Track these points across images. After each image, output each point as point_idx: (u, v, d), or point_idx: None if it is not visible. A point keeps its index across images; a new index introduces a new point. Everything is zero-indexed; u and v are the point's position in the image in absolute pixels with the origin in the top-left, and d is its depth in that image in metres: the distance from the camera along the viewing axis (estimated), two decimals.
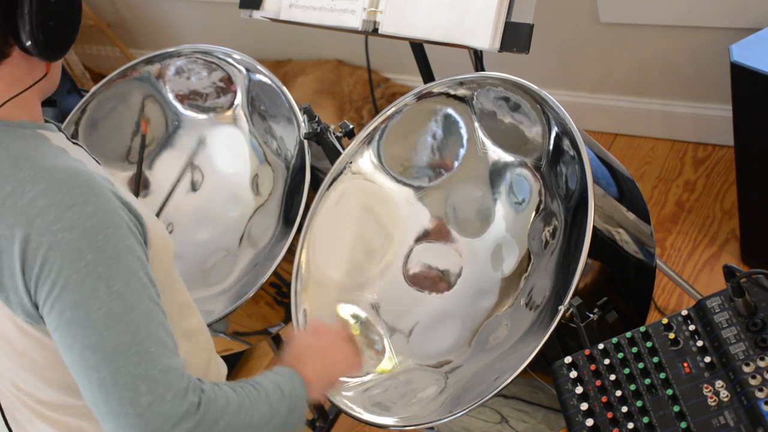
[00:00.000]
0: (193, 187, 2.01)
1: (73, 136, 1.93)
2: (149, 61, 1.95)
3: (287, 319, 1.74)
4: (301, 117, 1.75)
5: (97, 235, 1.03)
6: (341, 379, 1.41)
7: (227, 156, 1.99)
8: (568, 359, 1.25)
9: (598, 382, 1.21)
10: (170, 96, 1.99)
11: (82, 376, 1.03)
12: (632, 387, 1.19)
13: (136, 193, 1.91)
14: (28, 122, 1.14)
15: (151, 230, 1.13)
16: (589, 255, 1.31)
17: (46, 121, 1.19)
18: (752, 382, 1.11)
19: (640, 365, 1.20)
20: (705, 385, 1.14)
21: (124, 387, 1.01)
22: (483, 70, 1.82)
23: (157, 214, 1.98)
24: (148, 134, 1.98)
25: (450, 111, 1.71)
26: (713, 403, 1.12)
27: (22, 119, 1.13)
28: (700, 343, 1.18)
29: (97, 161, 1.24)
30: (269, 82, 1.85)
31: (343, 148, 1.74)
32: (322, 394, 1.33)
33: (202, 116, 2.00)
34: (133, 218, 1.09)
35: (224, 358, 1.68)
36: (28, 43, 1.06)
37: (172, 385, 1.03)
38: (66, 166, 1.07)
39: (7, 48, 1.08)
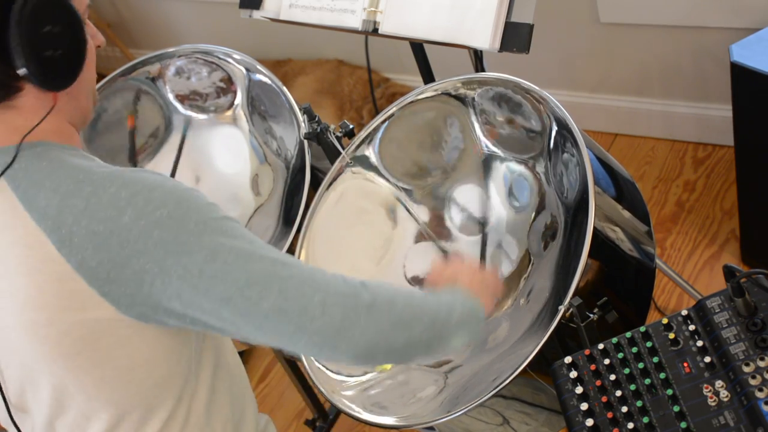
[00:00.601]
0: (193, 188, 2.00)
1: None
2: (149, 61, 1.95)
3: None
4: (301, 117, 1.75)
5: (189, 201, 1.06)
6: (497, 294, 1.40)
7: (227, 156, 1.99)
8: (568, 359, 1.25)
9: (598, 382, 1.21)
10: (170, 96, 1.99)
11: (254, 317, 1.04)
12: (632, 387, 1.19)
13: None
14: (66, 144, 1.14)
15: None
16: (589, 255, 1.31)
17: None
18: (752, 382, 1.11)
19: (640, 365, 1.20)
20: (705, 385, 1.14)
21: (295, 299, 1.03)
22: (483, 70, 1.82)
23: None
24: (139, 129, 1.98)
25: (450, 111, 1.71)
26: (713, 403, 1.12)
27: (59, 142, 1.13)
28: (700, 343, 1.18)
29: None
30: (269, 82, 1.85)
31: (343, 148, 1.74)
32: (491, 304, 1.30)
33: (202, 116, 2.00)
34: None
35: None
36: (23, 73, 1.05)
37: (329, 279, 1.07)
38: (126, 169, 1.10)
39: (15, 82, 1.08)
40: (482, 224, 1.71)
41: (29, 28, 1.04)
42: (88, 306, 1.06)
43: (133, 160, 1.99)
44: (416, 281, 1.72)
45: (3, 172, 1.08)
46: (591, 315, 1.31)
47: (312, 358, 1.47)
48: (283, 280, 1.04)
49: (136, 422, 1.16)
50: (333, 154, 1.75)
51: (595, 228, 1.32)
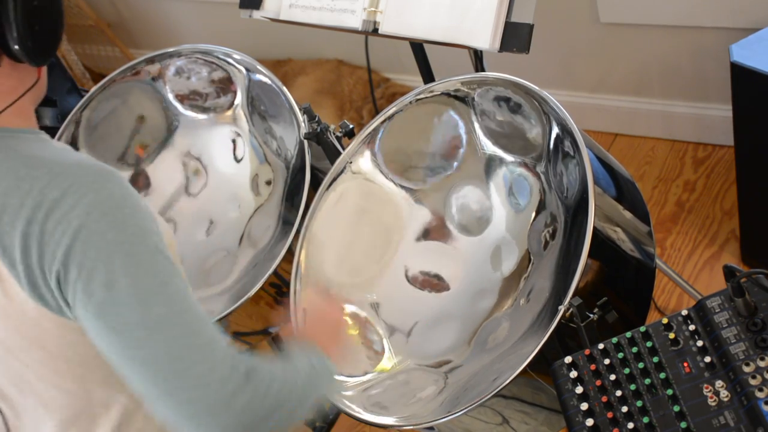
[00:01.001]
0: (193, 188, 2.01)
1: (73, 136, 1.93)
2: (149, 61, 1.95)
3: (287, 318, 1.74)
4: (301, 117, 1.75)
5: (116, 215, 1.02)
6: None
7: (227, 156, 1.99)
8: (568, 359, 1.25)
9: (598, 382, 1.21)
10: (170, 96, 1.99)
11: (125, 359, 1.00)
12: (632, 387, 1.19)
13: None
14: (28, 129, 1.15)
15: (159, 223, 1.13)
16: (589, 255, 1.31)
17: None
18: (752, 382, 1.11)
19: (640, 365, 1.20)
20: (705, 385, 1.14)
21: (175, 360, 0.98)
22: (483, 70, 1.82)
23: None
24: (144, 130, 1.99)
25: (450, 111, 1.71)
26: (713, 403, 1.12)
27: (21, 127, 1.14)
28: (700, 343, 1.18)
29: None
30: (269, 82, 1.85)
31: (343, 148, 1.74)
32: (338, 352, 1.28)
33: (202, 116, 2.00)
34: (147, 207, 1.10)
35: None
36: (16, 48, 1.07)
37: (219, 353, 1.01)
38: (77, 159, 1.09)
39: None
40: (482, 224, 1.71)
41: (24, 2, 1.06)
42: (26, 309, 1.05)
43: (126, 162, 1.99)
44: (416, 281, 1.72)
45: None
46: (591, 315, 1.31)
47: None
48: (172, 336, 0.99)
49: (99, 407, 1.17)
50: (333, 154, 1.75)
51: (595, 228, 1.32)
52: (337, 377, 1.20)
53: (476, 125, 1.70)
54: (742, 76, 1.89)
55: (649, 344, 1.22)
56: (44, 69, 1.19)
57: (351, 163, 1.72)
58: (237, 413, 1.00)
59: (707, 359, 1.17)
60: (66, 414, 1.18)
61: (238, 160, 1.99)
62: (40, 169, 1.05)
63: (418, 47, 1.93)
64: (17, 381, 1.18)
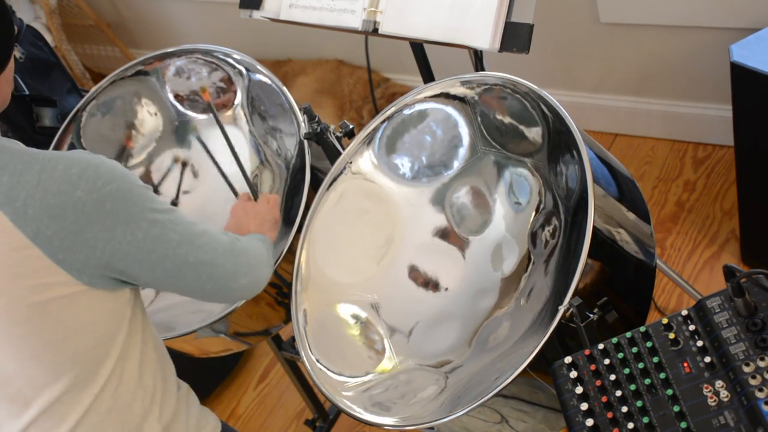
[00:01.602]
0: (193, 187, 2.01)
1: (73, 136, 1.93)
2: (149, 61, 1.95)
3: (288, 319, 1.74)
4: (301, 117, 1.75)
5: (130, 179, 1.23)
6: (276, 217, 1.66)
7: (227, 156, 1.99)
8: (568, 359, 1.25)
9: (598, 382, 1.21)
10: (170, 96, 1.99)
11: (180, 270, 1.28)
12: (632, 387, 1.19)
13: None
14: None
15: None
16: (589, 255, 1.31)
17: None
18: (752, 382, 1.11)
19: (640, 365, 1.20)
20: (705, 385, 1.14)
21: (210, 255, 1.31)
22: (483, 70, 1.82)
23: None
24: (138, 129, 1.99)
25: (450, 111, 1.71)
26: (713, 403, 1.12)
27: None
28: (700, 343, 1.18)
29: None
30: (269, 82, 1.85)
31: (343, 148, 1.74)
32: (274, 231, 1.62)
33: (202, 116, 2.00)
34: None
35: (224, 358, 1.69)
36: None
37: (225, 246, 1.35)
38: (63, 152, 1.25)
39: None
40: (482, 224, 1.71)
41: None
42: (42, 273, 1.17)
43: (128, 160, 1.99)
44: (417, 281, 1.72)
45: None
46: (591, 315, 1.31)
47: (301, 334, 1.62)
48: (203, 241, 1.30)
49: (83, 381, 1.24)
50: (333, 154, 1.75)
51: (594, 227, 1.32)
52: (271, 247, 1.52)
53: (476, 125, 1.69)
54: (742, 76, 1.89)
55: (649, 344, 1.22)
56: (5, 81, 1.24)
57: (351, 163, 1.72)
58: (246, 275, 1.38)
59: (707, 359, 1.17)
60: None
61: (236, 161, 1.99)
62: (39, 154, 1.19)
63: (418, 47, 1.93)
64: None
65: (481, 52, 1.81)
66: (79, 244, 1.17)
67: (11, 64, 1.24)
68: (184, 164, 2.01)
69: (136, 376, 1.31)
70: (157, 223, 1.24)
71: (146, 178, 1.99)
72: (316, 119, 1.73)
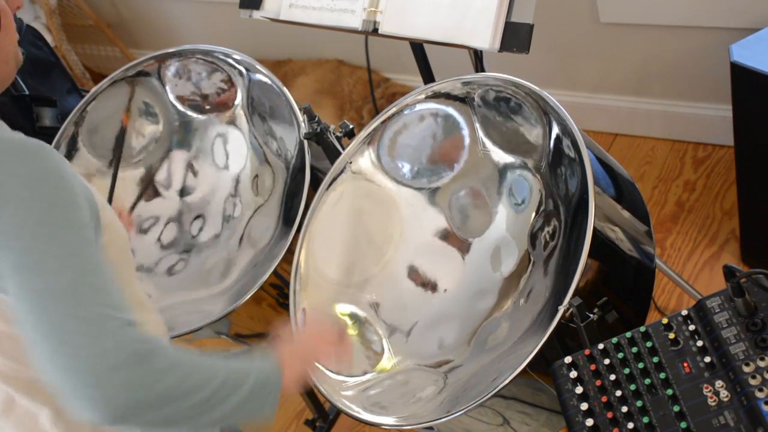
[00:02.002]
0: (193, 187, 2.01)
1: (74, 137, 1.93)
2: (149, 62, 1.95)
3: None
4: (301, 117, 1.75)
5: (42, 186, 1.04)
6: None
7: (227, 156, 1.99)
8: (568, 359, 1.25)
9: (598, 382, 1.21)
10: (170, 96, 1.99)
11: (30, 321, 1.01)
12: (632, 387, 1.19)
13: (111, 194, 1.89)
14: None
15: (102, 210, 1.14)
16: (589, 255, 1.31)
17: None
18: (752, 382, 1.11)
19: (640, 365, 1.20)
20: (705, 385, 1.14)
21: (65, 328, 1.00)
22: (483, 70, 1.82)
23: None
24: (139, 129, 1.98)
25: (450, 111, 1.71)
26: (713, 403, 1.12)
27: None
28: (700, 343, 1.18)
29: None
30: (269, 82, 1.85)
31: (343, 148, 1.74)
32: (298, 378, 1.23)
33: (202, 116, 2.00)
34: (86, 190, 1.10)
35: None
36: None
37: (113, 328, 1.01)
38: (15, 137, 1.09)
39: None
40: (482, 224, 1.71)
41: None
42: None
43: (116, 161, 1.99)
44: (416, 281, 1.72)
45: None
46: (591, 315, 1.31)
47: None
48: (70, 305, 1.01)
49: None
50: (333, 154, 1.75)
51: (594, 228, 1.32)
52: (272, 396, 1.15)
53: (476, 125, 1.69)
54: (742, 76, 1.89)
55: (649, 344, 1.22)
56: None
57: (351, 163, 1.72)
58: (118, 387, 0.99)
59: (707, 359, 1.17)
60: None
61: (237, 161, 1.99)
62: None
63: (418, 47, 1.93)
64: None
65: (481, 52, 1.81)
66: None
67: (7, 40, 1.15)
68: (184, 164, 2.01)
69: None
70: (40, 244, 1.02)
71: (146, 178, 1.99)
72: (316, 119, 1.73)
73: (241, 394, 1.10)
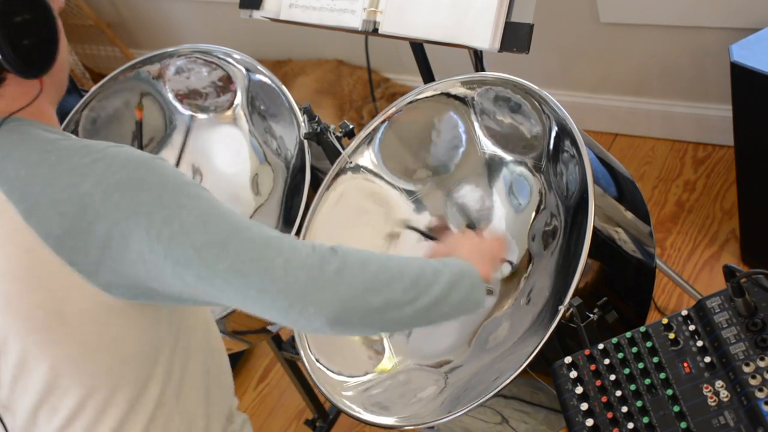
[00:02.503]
0: None
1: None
2: (149, 61, 1.95)
3: None
4: (301, 117, 1.75)
5: (152, 164, 1.06)
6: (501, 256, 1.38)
7: (227, 156, 1.99)
8: (568, 359, 1.25)
9: (598, 382, 1.21)
10: (170, 96, 1.99)
11: (215, 279, 1.02)
12: (632, 387, 1.19)
13: None
14: (42, 122, 1.15)
15: None
16: (589, 255, 1.31)
17: None
18: (752, 382, 1.11)
19: (640, 365, 1.20)
20: (705, 385, 1.14)
21: (254, 261, 1.02)
22: (483, 70, 1.82)
23: None
24: (144, 126, 1.98)
25: (450, 111, 1.71)
26: (713, 403, 1.12)
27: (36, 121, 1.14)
28: (700, 343, 1.18)
29: None
30: (269, 82, 1.85)
31: (343, 148, 1.74)
32: (490, 269, 1.27)
33: (202, 116, 2.00)
34: None
35: None
36: (6, 65, 1.07)
37: (294, 242, 1.05)
38: (95, 141, 1.10)
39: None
40: (482, 224, 1.71)
41: (4, 21, 1.05)
42: (57, 276, 1.06)
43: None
44: None
45: None
46: (591, 315, 1.31)
47: (301, 334, 1.43)
48: (241, 242, 1.02)
49: (103, 400, 1.15)
50: (333, 154, 1.75)
51: (595, 228, 1.32)
52: (475, 279, 1.17)
53: (476, 125, 1.70)
54: (742, 76, 1.89)
55: (649, 344, 1.22)
56: (61, 69, 1.17)
57: (351, 163, 1.72)
58: (332, 284, 1.02)
59: (707, 359, 1.17)
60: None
61: (238, 161, 1.99)
62: (63, 143, 1.08)
63: (418, 47, 1.93)
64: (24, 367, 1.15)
65: (481, 52, 1.81)
66: (90, 244, 1.03)
67: (62, 50, 1.14)
68: (184, 164, 2.01)
69: (172, 401, 1.19)
70: (177, 218, 1.02)
71: None
72: (316, 119, 1.73)
73: (442, 281, 1.12)
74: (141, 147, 1.96)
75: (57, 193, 1.04)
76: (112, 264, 1.05)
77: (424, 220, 1.75)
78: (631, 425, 1.15)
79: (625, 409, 1.17)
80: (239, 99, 1.95)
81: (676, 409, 1.14)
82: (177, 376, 1.19)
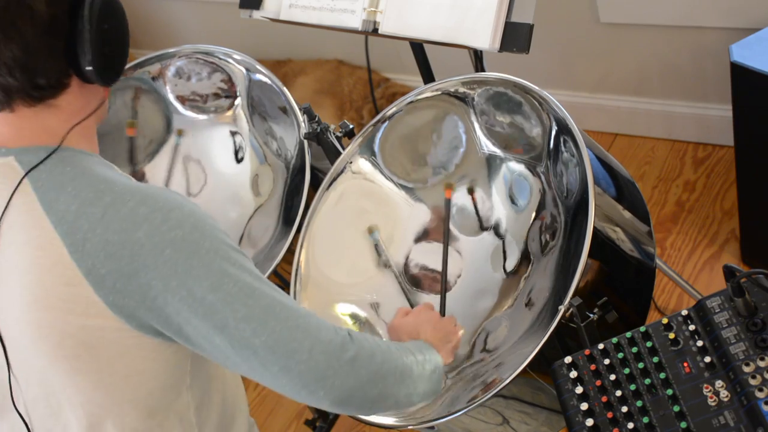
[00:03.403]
0: (193, 188, 2.01)
1: None
2: (149, 62, 1.95)
3: None
4: (301, 117, 1.75)
5: (205, 227, 1.09)
6: (458, 343, 1.44)
7: (227, 156, 1.99)
8: (568, 359, 1.25)
9: (598, 382, 1.21)
10: (170, 96, 1.99)
11: (244, 350, 1.07)
12: (632, 387, 1.19)
13: None
14: (95, 154, 1.17)
15: None
16: (589, 255, 1.31)
17: None
18: (752, 382, 1.11)
19: (640, 365, 1.20)
20: (705, 385, 1.15)
21: (286, 340, 1.07)
22: (483, 70, 1.82)
23: None
24: (139, 129, 1.99)
25: (450, 111, 1.71)
26: (713, 403, 1.12)
27: (85, 149, 1.15)
28: (700, 343, 1.18)
29: None
30: (269, 82, 1.85)
31: (343, 148, 1.74)
32: (450, 357, 1.38)
33: (202, 116, 2.00)
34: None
35: None
36: (88, 69, 1.09)
37: (320, 326, 1.10)
38: (147, 185, 1.12)
39: (66, 78, 1.11)
40: (482, 224, 1.71)
41: (97, 26, 1.09)
42: (92, 312, 1.08)
43: (133, 162, 1.99)
44: (416, 281, 1.72)
45: (29, 172, 1.10)
46: (591, 315, 1.31)
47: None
48: (278, 321, 1.08)
49: (127, 426, 1.17)
50: (333, 154, 1.75)
51: (595, 228, 1.32)
52: (441, 371, 1.27)
53: (476, 125, 1.70)
54: (742, 76, 1.89)
55: (649, 344, 1.22)
56: (108, 90, 1.20)
57: (351, 163, 1.72)
58: (345, 372, 1.09)
59: (707, 359, 1.17)
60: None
61: (238, 161, 1.99)
62: (119, 185, 1.10)
63: (418, 47, 1.93)
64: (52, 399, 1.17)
65: (481, 52, 1.81)
66: (130, 289, 1.06)
67: None
68: (184, 165, 2.01)
69: (193, 425, 1.22)
70: (223, 286, 1.06)
71: (146, 179, 1.99)
72: (316, 119, 1.73)
73: (426, 371, 1.22)
74: (134, 163, 1.96)
75: (108, 234, 1.06)
76: (148, 311, 1.08)
77: (423, 220, 1.75)
78: (631, 425, 1.15)
79: (625, 409, 1.17)
80: (239, 99, 1.95)
81: (676, 409, 1.14)
82: (196, 401, 1.22)
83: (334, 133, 1.76)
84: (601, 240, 1.39)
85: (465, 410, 1.34)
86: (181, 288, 1.06)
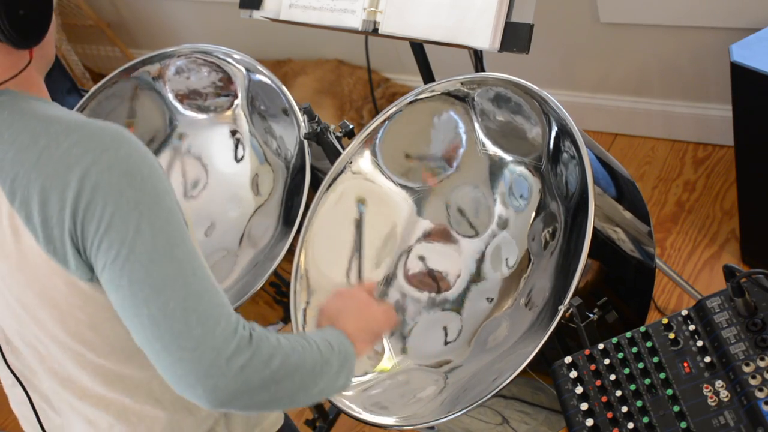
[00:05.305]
0: (193, 187, 2.01)
1: None
2: (149, 61, 1.95)
3: (286, 318, 1.74)
4: (301, 117, 1.75)
5: (135, 175, 1.03)
6: (384, 332, 1.37)
7: (227, 156, 1.99)
8: (568, 359, 1.25)
9: (598, 382, 1.21)
10: (170, 96, 1.99)
11: (133, 314, 1.02)
12: (632, 387, 1.19)
13: None
14: (40, 97, 1.15)
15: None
16: (589, 255, 1.31)
17: None
18: (752, 382, 1.11)
19: (640, 365, 1.20)
20: (705, 385, 1.15)
21: (175, 320, 1.00)
22: (483, 70, 1.82)
23: None
24: (139, 129, 1.98)
25: (450, 111, 1.71)
26: (713, 403, 1.12)
27: (27, 92, 1.14)
28: (700, 343, 1.18)
29: None
30: (269, 82, 1.85)
31: (343, 148, 1.74)
32: (369, 347, 1.31)
33: (202, 116, 2.00)
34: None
35: None
36: (1, 36, 1.07)
37: (221, 319, 1.02)
38: (95, 120, 1.09)
39: None
40: (482, 224, 1.71)
41: None
42: (39, 263, 1.06)
43: None
44: (416, 281, 1.72)
45: None
46: (591, 315, 1.31)
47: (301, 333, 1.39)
48: (173, 296, 1.01)
49: (126, 359, 1.16)
50: (333, 154, 1.75)
51: (595, 228, 1.32)
52: (353, 364, 1.19)
53: (476, 125, 1.70)
54: (742, 76, 1.89)
55: (649, 344, 1.22)
56: (48, 42, 1.17)
57: (351, 163, 1.72)
58: (232, 376, 1.01)
59: (707, 359, 1.17)
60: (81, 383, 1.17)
61: (238, 160, 1.99)
62: (57, 125, 1.06)
63: (418, 47, 1.93)
64: (34, 344, 1.17)
65: (481, 52, 1.81)
66: (65, 237, 1.03)
67: (53, 23, 1.17)
68: (184, 164, 2.01)
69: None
70: (128, 244, 1.01)
71: None
72: (316, 119, 1.73)
73: (332, 367, 1.13)
74: None
75: (41, 179, 1.03)
76: (86, 262, 1.05)
77: (423, 220, 1.75)
78: (631, 425, 1.15)
79: (625, 409, 1.17)
80: (239, 99, 1.95)
81: (676, 409, 1.14)
82: None
83: (334, 133, 1.76)
84: (601, 240, 1.39)
85: (465, 410, 1.34)
86: (96, 236, 1.01)
